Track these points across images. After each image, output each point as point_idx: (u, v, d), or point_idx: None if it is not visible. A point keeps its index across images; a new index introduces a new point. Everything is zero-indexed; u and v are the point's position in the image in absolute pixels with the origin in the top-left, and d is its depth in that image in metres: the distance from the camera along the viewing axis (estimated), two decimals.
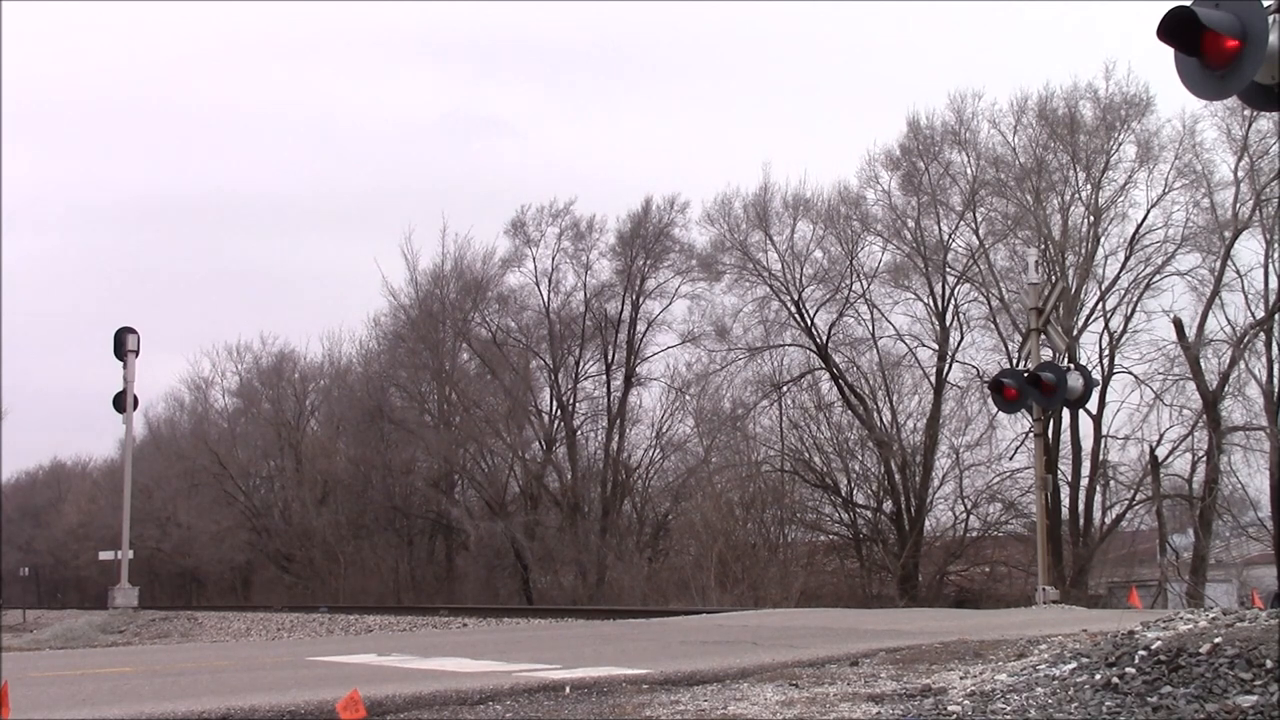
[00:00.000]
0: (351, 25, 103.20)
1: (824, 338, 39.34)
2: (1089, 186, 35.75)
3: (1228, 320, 33.91)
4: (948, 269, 37.53)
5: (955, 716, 6.38)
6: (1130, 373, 35.38)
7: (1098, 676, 6.52)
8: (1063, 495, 35.76)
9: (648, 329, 44.74)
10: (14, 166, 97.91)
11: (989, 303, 36.72)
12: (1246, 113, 31.18)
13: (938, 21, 79.65)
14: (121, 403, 33.69)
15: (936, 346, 38.17)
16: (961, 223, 37.52)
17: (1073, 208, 36.18)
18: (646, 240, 44.00)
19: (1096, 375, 32.98)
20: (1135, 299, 35.36)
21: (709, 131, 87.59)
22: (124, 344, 33.52)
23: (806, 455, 39.43)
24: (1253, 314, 33.38)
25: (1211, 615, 8.38)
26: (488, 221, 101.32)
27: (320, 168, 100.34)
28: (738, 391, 41.29)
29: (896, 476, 38.03)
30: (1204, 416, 33.54)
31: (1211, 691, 5.87)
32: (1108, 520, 36.01)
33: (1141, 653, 6.62)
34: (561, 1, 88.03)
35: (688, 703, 7.50)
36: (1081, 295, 35.50)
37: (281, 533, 53.45)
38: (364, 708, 6.78)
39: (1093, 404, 33.51)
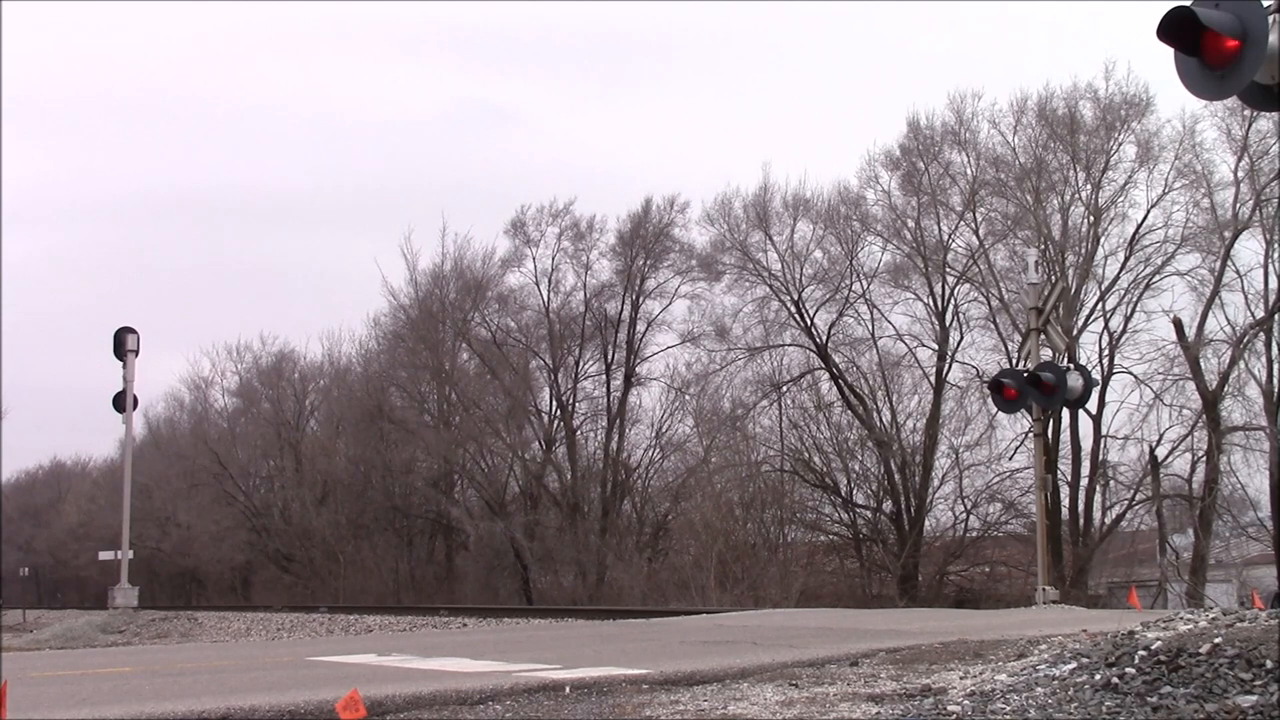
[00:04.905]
0: (351, 25, 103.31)
1: (824, 338, 39.38)
2: (1089, 186, 35.77)
3: (1228, 320, 33.97)
4: (948, 269, 37.54)
5: (955, 716, 6.38)
6: (1130, 373, 35.44)
7: (1098, 676, 6.52)
8: (1063, 495, 35.76)
9: (648, 329, 44.79)
10: (13, 165, 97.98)
11: (989, 303, 36.74)
12: (1246, 113, 31.18)
13: (938, 21, 79.74)
14: (121, 402, 33.69)
15: (936, 346, 38.20)
16: (961, 223, 37.56)
17: (1073, 208, 36.21)
18: (646, 240, 44.00)
19: (1096, 375, 32.99)
20: (1135, 299, 35.40)
21: (709, 131, 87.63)
22: (124, 344, 33.53)
23: (806, 455, 39.42)
24: (1252, 314, 33.42)
25: (1211, 615, 8.39)
26: (488, 221, 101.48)
27: (320, 167, 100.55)
28: (737, 391, 41.38)
29: (896, 476, 38.02)
30: (1204, 416, 33.53)
31: (1211, 691, 5.87)
32: (1108, 520, 36.03)
33: (1141, 653, 6.62)
34: (561, 1, 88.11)
35: (688, 703, 7.50)
36: (1081, 295, 35.51)
37: (281, 533, 53.41)
38: (364, 707, 6.78)
39: (1092, 404, 33.52)
